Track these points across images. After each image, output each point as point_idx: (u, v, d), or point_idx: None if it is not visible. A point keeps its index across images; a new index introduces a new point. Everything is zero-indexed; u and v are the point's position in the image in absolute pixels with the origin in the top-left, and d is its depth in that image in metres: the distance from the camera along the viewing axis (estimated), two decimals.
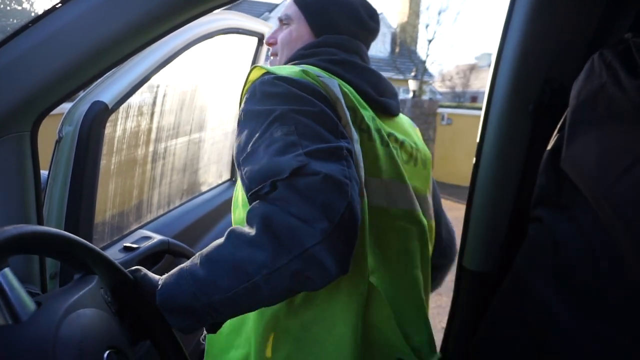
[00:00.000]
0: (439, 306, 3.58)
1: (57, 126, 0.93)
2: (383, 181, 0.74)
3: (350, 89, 0.76)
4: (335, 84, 0.71)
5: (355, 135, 0.69)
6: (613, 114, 0.53)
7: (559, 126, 0.64)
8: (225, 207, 1.69)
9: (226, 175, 1.90)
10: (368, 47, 0.90)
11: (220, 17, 1.43)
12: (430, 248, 0.85)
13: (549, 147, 0.65)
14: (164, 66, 1.16)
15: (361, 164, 0.67)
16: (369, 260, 0.70)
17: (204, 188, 1.74)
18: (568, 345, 0.57)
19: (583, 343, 0.56)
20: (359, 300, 0.68)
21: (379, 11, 0.98)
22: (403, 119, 0.91)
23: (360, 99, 0.76)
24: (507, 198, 0.86)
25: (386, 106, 0.82)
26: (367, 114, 0.75)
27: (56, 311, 0.43)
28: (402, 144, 0.82)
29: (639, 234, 0.48)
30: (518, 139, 0.82)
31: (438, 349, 0.88)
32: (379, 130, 0.75)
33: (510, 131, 0.82)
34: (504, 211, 0.87)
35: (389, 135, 0.79)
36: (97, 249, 0.55)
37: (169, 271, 0.60)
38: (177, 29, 0.67)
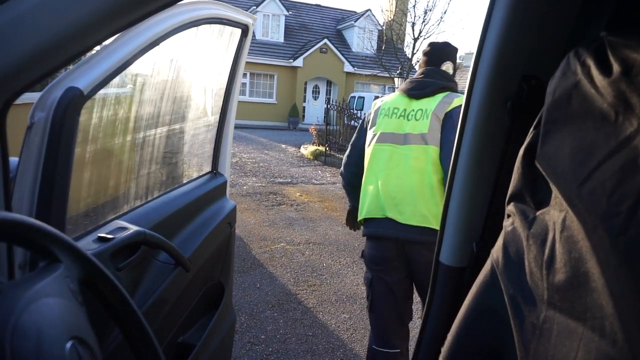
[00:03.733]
0: (418, 302, 3.62)
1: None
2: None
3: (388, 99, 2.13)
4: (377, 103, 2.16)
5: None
6: (586, 111, 0.53)
7: (534, 123, 0.64)
8: (205, 199, 1.67)
9: (207, 168, 1.87)
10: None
11: (205, 6, 1.41)
12: (418, 160, 1.89)
13: (524, 144, 0.65)
14: (144, 53, 1.14)
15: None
16: (371, 164, 2.02)
17: (183, 180, 1.71)
18: (539, 339, 0.58)
19: (554, 338, 0.56)
20: (371, 183, 2.02)
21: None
22: (432, 99, 1.93)
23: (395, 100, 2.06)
24: (484, 194, 0.87)
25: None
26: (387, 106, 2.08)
27: (16, 300, 0.42)
28: (408, 112, 1.98)
29: (608, 230, 0.48)
30: (496, 136, 0.83)
31: (415, 342, 0.98)
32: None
33: (488, 128, 0.83)
34: (481, 207, 0.88)
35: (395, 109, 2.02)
36: (64, 236, 0.53)
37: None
38: (151, 15, 0.65)
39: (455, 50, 2.09)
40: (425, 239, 1.87)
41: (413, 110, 1.93)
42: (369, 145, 2.06)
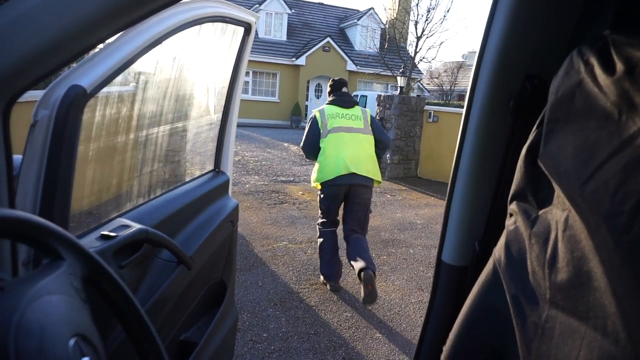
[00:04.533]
0: (420, 301, 3.63)
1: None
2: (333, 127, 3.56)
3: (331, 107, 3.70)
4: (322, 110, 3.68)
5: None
6: (589, 110, 0.53)
7: (537, 122, 0.64)
8: (207, 198, 1.67)
9: (209, 166, 1.88)
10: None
11: (208, 5, 1.40)
12: (362, 142, 3.57)
13: (527, 143, 0.65)
14: (147, 52, 1.14)
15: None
16: (333, 145, 3.51)
17: (186, 178, 1.71)
18: (541, 339, 0.58)
19: (556, 337, 0.56)
20: (337, 156, 3.48)
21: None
22: (355, 108, 3.69)
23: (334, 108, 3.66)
24: (486, 192, 0.87)
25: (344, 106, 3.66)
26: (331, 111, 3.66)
27: (19, 297, 0.42)
28: (346, 115, 3.62)
29: (611, 229, 0.48)
30: (498, 135, 0.83)
31: (416, 341, 0.99)
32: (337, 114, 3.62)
33: (490, 127, 0.83)
34: (483, 205, 0.88)
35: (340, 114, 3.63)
36: (67, 233, 0.53)
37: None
38: (154, 14, 0.65)
39: (346, 81, 3.85)
40: (367, 184, 3.52)
41: (347, 114, 3.59)
42: (326, 136, 3.51)
